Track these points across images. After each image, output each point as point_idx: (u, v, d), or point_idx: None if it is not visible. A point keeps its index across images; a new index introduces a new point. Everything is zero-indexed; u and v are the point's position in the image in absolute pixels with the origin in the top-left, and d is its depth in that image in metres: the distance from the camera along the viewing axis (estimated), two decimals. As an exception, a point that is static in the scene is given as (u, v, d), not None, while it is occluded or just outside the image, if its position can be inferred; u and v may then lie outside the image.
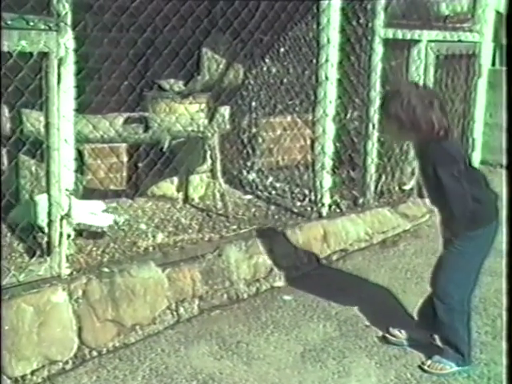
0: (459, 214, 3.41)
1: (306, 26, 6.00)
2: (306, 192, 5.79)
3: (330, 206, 5.57)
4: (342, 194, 5.91)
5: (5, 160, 4.83)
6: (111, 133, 4.99)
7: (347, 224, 5.53)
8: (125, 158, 5.89)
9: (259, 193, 6.12)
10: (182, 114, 5.33)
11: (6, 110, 4.54)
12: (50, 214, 3.84)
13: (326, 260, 5.20)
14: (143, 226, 5.04)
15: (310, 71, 5.82)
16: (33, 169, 4.74)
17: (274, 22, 5.82)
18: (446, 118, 3.41)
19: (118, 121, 5.01)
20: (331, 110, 5.37)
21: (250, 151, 6.54)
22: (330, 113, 5.37)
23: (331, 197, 5.59)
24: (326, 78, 5.29)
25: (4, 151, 4.79)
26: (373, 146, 5.77)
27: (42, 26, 3.56)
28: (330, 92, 5.33)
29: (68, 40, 3.66)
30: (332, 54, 5.27)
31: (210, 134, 5.30)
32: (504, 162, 6.87)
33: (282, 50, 6.32)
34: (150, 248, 4.61)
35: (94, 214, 4.59)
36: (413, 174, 6.08)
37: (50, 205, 3.82)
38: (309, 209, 5.57)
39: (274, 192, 6.10)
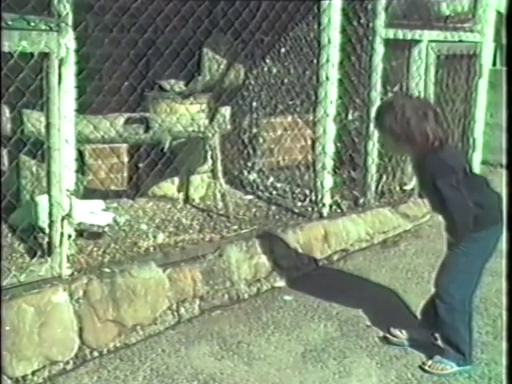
0: (461, 223, 3.43)
1: (307, 26, 6.00)
2: (307, 192, 5.79)
3: (330, 206, 5.57)
4: (342, 194, 5.91)
5: (6, 160, 4.84)
6: (112, 133, 4.99)
7: (348, 224, 5.53)
8: (125, 159, 5.89)
9: (260, 193, 6.12)
10: (183, 115, 5.34)
11: (6, 111, 4.54)
12: (50, 214, 3.84)
13: (327, 260, 5.20)
14: (144, 227, 5.05)
15: (311, 71, 5.82)
16: (34, 169, 4.74)
17: (275, 22, 5.82)
18: (441, 128, 3.39)
19: (119, 121, 5.01)
20: (332, 110, 5.38)
21: (251, 151, 6.54)
22: (331, 113, 5.37)
23: (332, 197, 5.59)
24: (327, 78, 5.29)
25: (5, 152, 4.80)
26: (373, 146, 5.77)
27: (43, 27, 3.56)
28: (330, 92, 5.33)
29: (69, 40, 3.66)
30: (333, 54, 5.27)
31: (210, 135, 5.30)
32: (504, 161, 6.87)
33: (282, 50, 6.33)
34: (151, 248, 4.61)
35: (94, 213, 4.59)
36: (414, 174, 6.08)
37: (51, 205, 3.82)
38: (309, 209, 5.57)
39: (274, 192, 6.10)
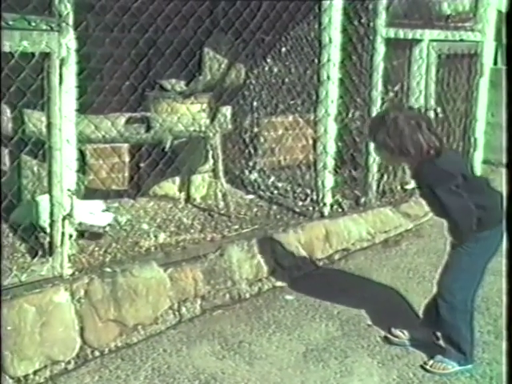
0: (465, 226, 3.44)
1: (308, 26, 6.00)
2: (308, 192, 5.79)
3: (331, 206, 5.57)
4: (343, 194, 5.91)
5: (7, 160, 4.84)
6: (113, 133, 4.99)
7: (349, 223, 5.53)
8: (127, 158, 5.89)
9: (261, 192, 6.12)
10: (184, 114, 5.34)
11: (8, 111, 4.54)
12: (52, 214, 3.84)
13: (328, 260, 5.20)
14: (145, 226, 5.05)
15: (312, 71, 5.81)
16: (35, 169, 4.75)
17: (276, 21, 5.82)
18: (435, 136, 3.40)
19: (120, 121, 5.01)
20: (333, 109, 5.37)
21: (252, 151, 6.54)
22: (332, 112, 5.37)
23: (333, 196, 5.59)
24: (328, 78, 5.29)
25: (6, 151, 4.80)
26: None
27: (44, 27, 3.57)
28: (331, 92, 5.33)
29: (70, 40, 3.66)
30: (334, 53, 5.27)
31: (211, 134, 5.30)
32: (504, 160, 6.86)
33: (283, 49, 6.33)
34: (152, 248, 4.61)
35: (94, 213, 4.58)
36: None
37: (52, 205, 3.83)
38: (311, 208, 5.57)
39: (275, 192, 6.10)
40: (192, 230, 5.03)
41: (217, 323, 4.18)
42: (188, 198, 5.77)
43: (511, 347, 3.49)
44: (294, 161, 6.76)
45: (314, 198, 5.60)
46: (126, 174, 5.94)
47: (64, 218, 3.84)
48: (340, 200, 5.77)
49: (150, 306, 4.08)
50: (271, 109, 6.49)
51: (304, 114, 6.30)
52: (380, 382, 3.61)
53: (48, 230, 3.92)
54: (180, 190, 5.78)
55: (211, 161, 5.49)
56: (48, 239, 3.92)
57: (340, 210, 5.68)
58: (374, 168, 5.88)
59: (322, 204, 5.50)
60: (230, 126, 5.63)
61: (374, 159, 5.82)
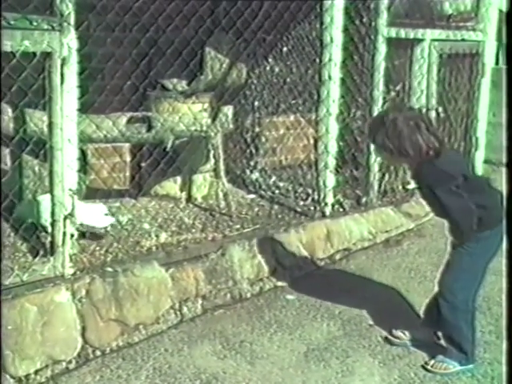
0: (466, 226, 3.44)
1: (309, 26, 6.00)
2: (310, 191, 5.79)
3: (333, 206, 5.57)
4: (345, 194, 5.91)
5: (8, 160, 4.84)
6: (114, 132, 4.99)
7: (350, 223, 5.53)
8: (128, 158, 5.90)
9: (262, 192, 6.12)
10: (185, 114, 5.34)
11: (9, 110, 4.54)
12: (53, 213, 3.84)
13: (330, 259, 5.20)
14: (146, 226, 5.05)
15: (313, 70, 5.81)
16: (36, 169, 4.75)
17: (277, 21, 5.82)
18: (435, 137, 3.39)
19: (121, 120, 5.01)
20: (334, 109, 5.37)
21: (253, 150, 6.54)
22: (334, 112, 5.37)
23: (334, 196, 5.59)
24: (329, 78, 5.29)
25: (7, 151, 4.80)
26: (376, 147, 5.75)
27: (45, 26, 3.57)
28: (333, 91, 5.33)
29: (71, 40, 3.66)
30: (335, 53, 5.27)
31: (213, 134, 5.30)
32: (504, 159, 6.86)
33: (285, 49, 6.32)
34: (154, 247, 4.61)
35: (95, 216, 4.57)
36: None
37: (54, 205, 3.83)
38: (312, 208, 5.57)
39: (277, 191, 6.10)
40: (193, 230, 5.04)
41: (218, 323, 4.18)
42: (189, 198, 5.77)
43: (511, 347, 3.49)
44: (296, 160, 6.76)
45: (316, 197, 5.60)
46: (128, 174, 5.94)
47: (65, 218, 3.84)
48: (341, 200, 5.76)
49: (152, 306, 4.08)
50: (272, 108, 6.49)
51: (305, 113, 6.30)
52: (381, 381, 3.61)
53: (49, 230, 3.92)
54: (181, 190, 5.78)
55: (212, 160, 5.49)
56: (49, 239, 3.93)
57: (341, 209, 5.68)
58: (376, 168, 5.88)
59: (323, 204, 5.50)
60: (231, 126, 5.63)
61: (376, 159, 5.81)
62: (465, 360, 3.65)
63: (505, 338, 3.80)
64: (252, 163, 6.51)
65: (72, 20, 3.66)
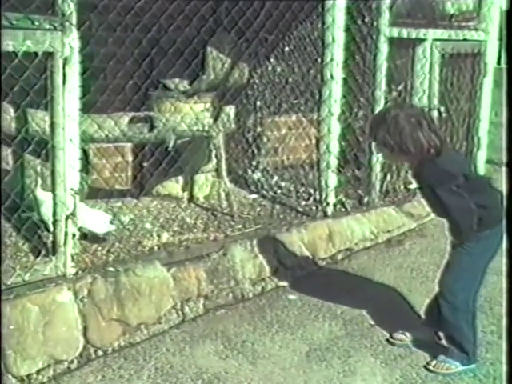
0: (466, 226, 3.43)
1: (311, 25, 5.99)
2: (311, 191, 5.79)
3: (335, 205, 5.57)
4: (347, 193, 5.91)
5: (10, 159, 4.84)
6: (116, 132, 4.99)
7: (352, 223, 5.52)
8: (130, 158, 5.89)
9: (264, 192, 6.12)
10: (187, 114, 5.34)
11: (11, 110, 4.55)
12: (55, 213, 3.85)
13: (331, 259, 5.20)
14: (148, 226, 5.05)
15: (315, 70, 5.81)
16: (38, 168, 4.75)
17: (279, 21, 5.82)
18: (436, 135, 3.37)
19: (123, 120, 5.01)
20: (336, 109, 5.37)
21: (255, 150, 6.54)
22: (335, 112, 5.37)
23: (336, 196, 5.59)
24: (331, 77, 5.29)
25: (9, 151, 4.80)
26: (378, 147, 5.75)
27: (47, 26, 3.57)
28: (335, 91, 5.33)
29: (73, 40, 3.67)
30: (337, 53, 5.27)
31: (214, 134, 5.30)
32: (504, 159, 6.86)
33: (287, 49, 6.32)
34: (155, 247, 4.62)
35: (97, 223, 4.54)
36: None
37: (55, 204, 3.83)
38: (314, 208, 5.57)
39: (279, 191, 6.10)
40: (195, 230, 5.04)
41: (220, 323, 4.18)
42: (191, 198, 5.78)
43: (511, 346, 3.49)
44: (298, 160, 6.76)
45: (317, 197, 5.60)
46: (129, 174, 5.94)
47: (67, 218, 3.84)
48: (343, 199, 5.77)
49: (153, 306, 4.08)
50: (274, 108, 6.49)
51: (307, 113, 6.29)
52: (383, 381, 3.60)
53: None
54: (183, 190, 5.78)
55: (214, 160, 5.49)
56: (51, 238, 3.93)
57: (343, 209, 5.68)
58: (378, 167, 5.87)
59: (325, 204, 5.50)
60: (233, 126, 5.64)
61: (378, 159, 5.81)
62: (466, 360, 3.65)
63: (505, 338, 3.80)
64: (254, 163, 6.51)
65: (74, 20, 3.66)
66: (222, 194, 5.59)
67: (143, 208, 5.46)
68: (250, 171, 6.47)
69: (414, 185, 6.10)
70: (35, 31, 3.52)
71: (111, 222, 4.66)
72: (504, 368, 3.59)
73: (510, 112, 6.65)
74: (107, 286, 3.92)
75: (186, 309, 4.23)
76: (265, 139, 6.60)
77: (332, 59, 5.26)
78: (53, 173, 3.81)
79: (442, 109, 6.29)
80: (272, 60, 6.40)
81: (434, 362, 3.69)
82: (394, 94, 5.98)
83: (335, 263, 5.18)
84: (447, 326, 3.65)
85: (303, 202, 5.74)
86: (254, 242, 4.79)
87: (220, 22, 5.80)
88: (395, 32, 5.72)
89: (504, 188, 4.01)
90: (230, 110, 5.55)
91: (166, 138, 5.12)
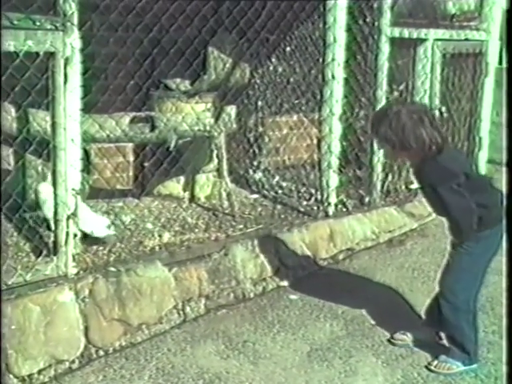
0: (466, 225, 3.42)
1: (313, 25, 5.99)
2: (313, 191, 5.79)
3: (336, 206, 5.57)
4: (348, 193, 5.90)
5: (11, 160, 4.85)
6: (117, 132, 4.99)
7: (354, 223, 5.52)
8: (131, 158, 5.90)
9: (265, 192, 6.12)
10: (189, 114, 5.34)
11: (12, 110, 4.55)
12: (56, 213, 3.85)
13: (333, 259, 5.19)
14: (149, 226, 5.05)
15: (317, 70, 5.81)
16: (39, 168, 4.75)
17: (281, 21, 5.81)
18: (438, 132, 3.36)
19: (125, 120, 5.01)
20: (338, 109, 5.37)
21: (257, 150, 6.53)
22: (337, 112, 5.36)
23: (337, 196, 5.59)
24: (333, 77, 5.29)
25: (11, 151, 4.80)
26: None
27: (49, 26, 3.57)
28: (336, 91, 5.32)
29: (74, 40, 3.67)
30: (338, 53, 5.27)
31: (216, 134, 5.30)
32: (504, 159, 6.85)
33: (288, 49, 6.32)
34: (157, 247, 4.61)
35: (96, 226, 4.53)
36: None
37: (57, 204, 3.83)
38: (315, 208, 5.56)
39: (280, 191, 6.10)
40: (196, 230, 5.04)
41: (221, 323, 4.18)
42: (192, 198, 5.78)
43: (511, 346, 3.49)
44: (299, 160, 6.76)
45: (319, 197, 5.60)
46: (131, 174, 5.94)
47: (68, 218, 3.84)
48: (344, 199, 5.76)
49: (155, 306, 4.08)
50: (276, 108, 6.49)
51: (308, 113, 6.29)
52: (384, 381, 3.60)
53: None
54: (184, 190, 5.78)
55: (216, 160, 5.49)
56: (52, 238, 3.93)
57: (344, 209, 5.67)
58: (379, 167, 5.87)
59: (326, 203, 5.49)
60: (234, 126, 5.63)
61: (379, 159, 5.82)
62: (468, 360, 3.65)
63: (505, 337, 3.80)
64: (255, 163, 6.51)
65: (75, 20, 3.66)
66: (224, 194, 5.60)
67: (144, 208, 5.46)
68: (251, 171, 6.47)
69: (415, 185, 6.09)
70: (36, 31, 3.52)
71: (109, 227, 4.63)
72: (504, 368, 3.59)
73: (510, 112, 6.64)
74: (108, 286, 3.93)
75: (188, 309, 4.23)
76: (266, 139, 6.60)
77: (333, 59, 5.25)
78: (54, 173, 3.81)
79: (444, 109, 6.29)
80: (273, 60, 6.40)
81: (435, 362, 3.69)
82: (396, 93, 5.97)
83: (336, 263, 5.18)
84: (448, 326, 3.65)
85: (304, 202, 5.74)
86: (256, 242, 4.79)
87: (221, 21, 5.80)
88: (397, 32, 5.72)
89: (504, 188, 4.01)
90: (232, 109, 5.55)
91: (167, 138, 5.12)
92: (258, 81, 6.45)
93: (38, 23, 3.52)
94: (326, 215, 5.46)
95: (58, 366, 3.59)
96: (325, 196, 5.51)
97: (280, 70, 6.40)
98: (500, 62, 7.98)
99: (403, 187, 6.24)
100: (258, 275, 4.67)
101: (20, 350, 3.47)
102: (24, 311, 3.55)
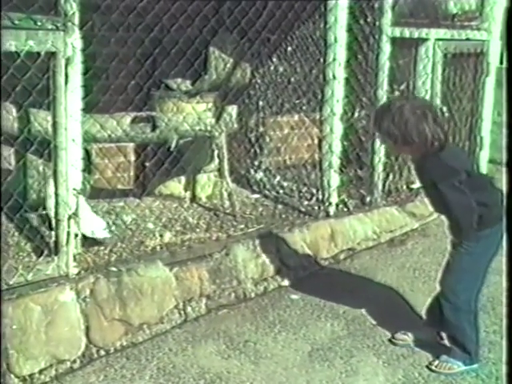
0: (466, 224, 3.42)
1: (314, 25, 6.00)
2: (314, 191, 5.79)
3: (337, 205, 5.57)
4: (349, 193, 5.90)
5: (12, 160, 4.85)
6: (118, 132, 4.99)
7: (355, 223, 5.52)
8: (132, 158, 5.90)
9: (266, 192, 6.12)
10: (190, 114, 5.34)
11: (13, 110, 4.55)
12: (57, 213, 3.85)
13: (334, 259, 5.20)
14: (151, 226, 5.05)
15: (318, 70, 5.81)
16: (40, 168, 4.75)
17: (282, 21, 5.81)
18: (440, 129, 3.35)
19: (126, 120, 5.01)
20: (338, 108, 5.37)
21: (258, 150, 6.54)
22: (338, 112, 5.36)
23: (339, 196, 5.59)
24: (334, 77, 5.29)
25: (12, 151, 4.80)
26: (380, 145, 5.75)
27: (50, 26, 3.57)
28: (337, 91, 5.32)
29: (75, 40, 3.67)
30: (339, 52, 5.27)
31: (217, 134, 5.30)
32: (504, 158, 6.85)
33: (289, 49, 6.32)
34: (158, 247, 4.62)
35: (93, 228, 4.51)
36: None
37: (58, 204, 3.83)
38: (316, 208, 5.56)
39: (281, 191, 6.10)
40: (197, 230, 5.04)
41: (222, 322, 4.18)
42: (193, 198, 5.78)
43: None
44: (300, 160, 6.76)
45: (320, 197, 5.59)
46: (132, 174, 5.94)
47: (69, 217, 3.84)
48: (345, 199, 5.76)
49: (156, 306, 4.08)
50: (277, 108, 6.49)
51: (309, 113, 6.30)
52: (385, 381, 3.60)
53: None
54: (185, 190, 5.78)
55: (217, 160, 5.49)
56: (53, 238, 3.93)
57: (345, 209, 5.67)
58: (380, 167, 5.87)
59: (327, 203, 5.49)
60: (235, 126, 5.63)
61: (380, 158, 5.82)
62: (469, 360, 3.65)
63: (505, 337, 3.79)
64: (256, 163, 6.51)
65: (76, 20, 3.66)
66: (225, 194, 5.60)
67: (145, 208, 5.46)
68: (252, 171, 6.47)
69: (416, 184, 6.11)
70: (37, 31, 3.52)
71: (106, 229, 4.61)
72: (504, 368, 3.59)
73: (510, 112, 6.64)
74: (109, 286, 3.93)
75: (189, 309, 4.23)
76: (267, 139, 6.61)
77: (334, 59, 5.25)
78: (55, 173, 3.81)
79: (445, 108, 6.28)
80: (274, 60, 6.40)
81: (436, 362, 3.69)
82: (397, 93, 5.97)
83: (337, 263, 5.18)
84: (449, 326, 3.64)
85: (305, 202, 5.73)
86: (257, 241, 4.79)
87: (222, 21, 5.79)
88: (397, 32, 5.72)
89: (504, 187, 4.01)
90: (233, 109, 5.55)
91: (168, 137, 5.12)
92: (259, 81, 6.45)
93: (39, 23, 3.52)
94: (327, 215, 5.46)
95: (59, 365, 3.60)
96: (326, 196, 5.50)
97: (281, 69, 6.40)
98: (501, 62, 7.98)
99: (404, 187, 6.24)
100: (259, 275, 4.67)
101: (21, 349, 3.48)
102: (25, 311, 3.55)
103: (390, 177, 6.09)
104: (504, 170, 6.70)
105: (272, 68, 6.42)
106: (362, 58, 5.83)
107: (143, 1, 4.80)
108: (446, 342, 3.75)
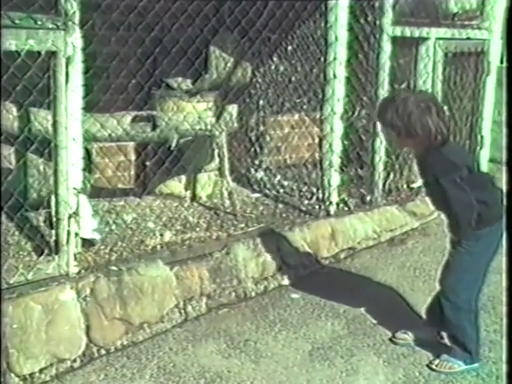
0: (465, 221, 3.41)
1: (314, 24, 5.99)
2: (314, 190, 5.79)
3: (337, 204, 5.57)
4: (349, 192, 5.90)
5: (13, 159, 4.85)
6: (119, 131, 4.99)
7: (355, 222, 5.52)
8: (132, 157, 5.90)
9: (267, 191, 6.12)
10: (190, 113, 5.34)
11: (14, 109, 4.55)
12: (57, 212, 3.85)
13: (334, 258, 5.20)
14: (151, 225, 5.05)
15: (318, 69, 5.81)
16: (41, 168, 4.75)
17: (282, 20, 5.81)
18: (443, 123, 3.35)
19: (126, 119, 5.01)
20: (339, 108, 5.37)
21: (258, 149, 6.54)
22: (338, 111, 5.36)
23: (339, 195, 5.59)
24: (334, 76, 5.29)
25: (12, 150, 4.80)
26: (381, 144, 5.76)
27: (50, 25, 3.57)
28: (337, 90, 5.32)
29: (76, 39, 3.67)
30: (340, 52, 5.26)
31: (217, 133, 5.30)
32: (504, 157, 6.84)
33: (289, 48, 6.32)
34: (158, 246, 4.61)
35: (84, 227, 4.49)
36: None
37: (58, 203, 3.83)
38: (317, 207, 5.56)
39: (281, 190, 6.10)
40: (198, 229, 5.04)
41: (222, 322, 4.19)
42: (194, 197, 5.78)
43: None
44: (300, 159, 6.76)
45: (320, 196, 5.60)
46: (132, 173, 5.94)
47: (70, 217, 3.84)
48: (346, 198, 5.76)
49: (156, 305, 4.08)
50: (277, 107, 6.49)
51: (310, 112, 6.30)
52: (386, 380, 3.60)
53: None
54: (186, 189, 5.78)
55: (217, 159, 5.49)
56: (54, 237, 3.93)
57: (346, 208, 5.67)
58: (380, 166, 5.87)
59: (327, 202, 5.49)
60: (235, 125, 5.63)
61: (380, 158, 5.82)
62: (469, 359, 3.65)
63: (505, 336, 3.80)
64: (257, 162, 6.51)
65: (77, 19, 3.66)
66: (225, 193, 5.60)
67: (146, 207, 5.47)
68: (252, 170, 6.47)
69: (416, 184, 6.12)
70: (38, 30, 3.52)
71: (95, 230, 4.57)
72: (504, 367, 3.59)
73: (510, 111, 6.64)
74: (110, 285, 3.93)
75: (189, 308, 4.23)
76: (267, 138, 6.61)
77: (335, 58, 5.25)
78: (55, 172, 3.81)
79: (445, 108, 6.28)
80: (275, 59, 6.40)
81: (436, 361, 3.69)
82: (397, 93, 5.97)
83: (338, 262, 5.18)
84: (450, 325, 3.64)
85: (306, 201, 5.74)
86: (257, 240, 4.80)
87: (223, 21, 5.79)
88: (398, 31, 5.72)
89: (504, 187, 4.01)
90: (233, 109, 5.55)
91: (168, 137, 5.12)
92: (260, 80, 6.45)
93: (39, 22, 3.52)
94: (328, 214, 5.46)
95: (60, 364, 3.60)
96: (326, 195, 5.51)
97: (281, 68, 6.40)
98: (502, 61, 7.98)
99: (405, 186, 6.24)
100: (260, 274, 4.67)
101: (21, 348, 3.48)
102: (25, 310, 3.55)
103: (391, 176, 6.09)
104: (504, 169, 6.71)
105: (273, 67, 6.42)
106: (362, 57, 5.83)
107: (144, 0, 4.80)
108: (447, 341, 3.75)
